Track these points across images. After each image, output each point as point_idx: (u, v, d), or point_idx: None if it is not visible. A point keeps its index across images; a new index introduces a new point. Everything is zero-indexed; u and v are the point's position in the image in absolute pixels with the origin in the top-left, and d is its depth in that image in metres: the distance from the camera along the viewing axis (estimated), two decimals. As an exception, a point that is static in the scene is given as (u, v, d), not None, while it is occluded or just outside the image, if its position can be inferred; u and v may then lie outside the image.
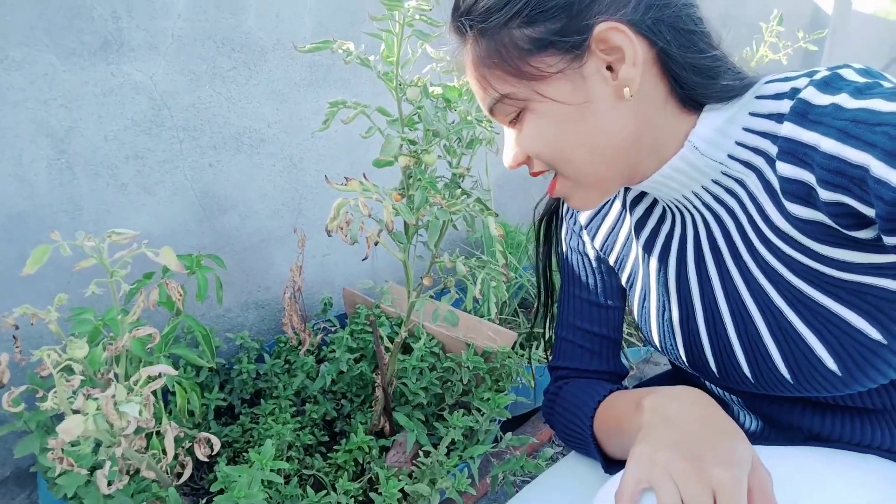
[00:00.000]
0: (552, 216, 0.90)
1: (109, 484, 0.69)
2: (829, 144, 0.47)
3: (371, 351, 1.37)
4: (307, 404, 1.28)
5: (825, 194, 0.48)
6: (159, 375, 0.72)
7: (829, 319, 0.56)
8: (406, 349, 1.38)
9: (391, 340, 1.30)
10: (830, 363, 0.57)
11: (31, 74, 1.06)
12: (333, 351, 1.32)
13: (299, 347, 1.33)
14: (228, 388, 1.33)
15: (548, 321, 0.97)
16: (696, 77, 0.58)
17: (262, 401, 1.29)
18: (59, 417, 0.87)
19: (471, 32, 0.60)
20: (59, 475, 0.86)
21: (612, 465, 0.74)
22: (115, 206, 1.20)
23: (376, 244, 0.94)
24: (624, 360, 0.90)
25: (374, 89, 1.59)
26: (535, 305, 0.99)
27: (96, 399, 0.65)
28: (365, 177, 0.92)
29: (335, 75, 1.51)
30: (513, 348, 1.34)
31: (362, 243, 0.88)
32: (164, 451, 0.80)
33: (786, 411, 0.70)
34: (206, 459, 0.75)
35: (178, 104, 1.25)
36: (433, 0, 0.92)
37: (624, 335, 1.72)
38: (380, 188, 0.92)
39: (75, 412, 0.66)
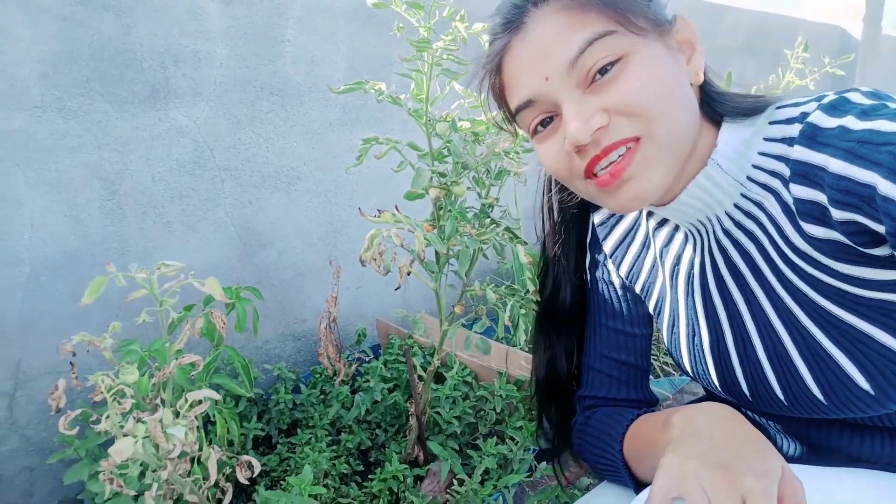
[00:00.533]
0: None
1: (159, 501, 0.72)
2: (837, 165, 0.49)
3: (404, 381, 1.39)
4: (342, 434, 1.30)
5: (837, 213, 0.50)
6: (202, 401, 0.75)
7: (856, 338, 0.56)
8: (439, 378, 1.39)
9: (424, 370, 1.32)
10: (862, 382, 0.57)
11: (86, 122, 1.14)
12: (368, 381, 1.34)
13: (334, 378, 1.36)
14: (266, 419, 1.35)
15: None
16: (716, 88, 0.63)
17: (298, 430, 1.31)
18: (106, 446, 0.91)
19: None
20: (107, 500, 0.90)
21: (644, 489, 0.74)
22: (161, 243, 1.27)
23: (409, 274, 0.97)
24: (661, 390, 0.90)
25: (405, 127, 1.65)
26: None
27: (145, 422, 0.69)
28: (397, 208, 0.96)
29: (367, 115, 1.57)
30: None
31: (395, 273, 0.91)
32: (204, 479, 0.83)
33: (824, 434, 0.69)
34: (246, 483, 0.77)
35: (219, 145, 1.32)
36: (460, 41, 0.97)
37: (661, 363, 1.71)
38: (411, 220, 0.96)
39: (125, 436, 0.70)
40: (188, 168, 1.28)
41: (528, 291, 1.02)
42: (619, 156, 0.59)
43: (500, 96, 0.66)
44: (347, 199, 1.58)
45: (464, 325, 1.16)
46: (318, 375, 1.43)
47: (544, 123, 0.62)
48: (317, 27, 1.43)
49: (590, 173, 0.60)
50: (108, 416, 0.68)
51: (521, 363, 1.45)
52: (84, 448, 1.01)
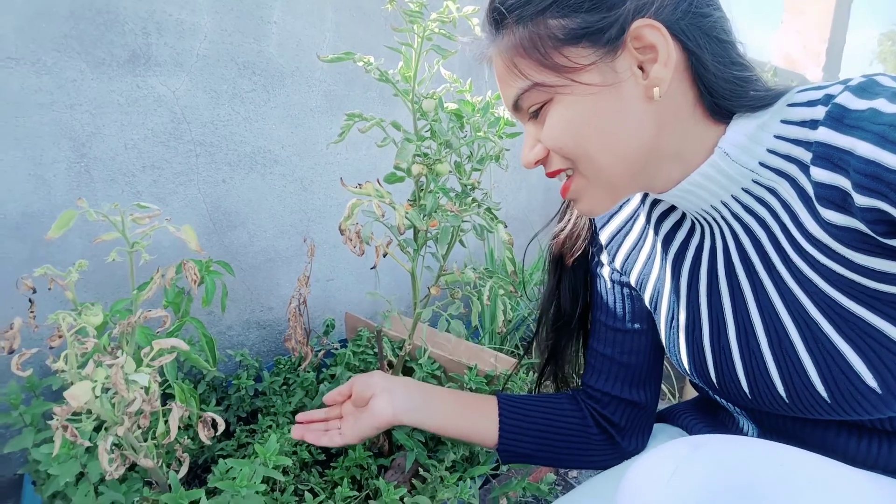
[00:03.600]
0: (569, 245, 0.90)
1: (110, 462, 0.68)
2: (865, 149, 0.46)
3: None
4: (305, 422, 1.25)
5: (861, 199, 0.47)
6: (168, 352, 0.72)
7: (866, 332, 0.54)
8: (407, 372, 1.36)
9: (394, 356, 1.29)
10: (870, 379, 0.55)
11: (60, 79, 1.10)
12: (334, 373, 1.30)
13: (299, 366, 1.32)
14: (225, 405, 1.30)
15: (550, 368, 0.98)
16: (726, 85, 0.59)
17: (258, 418, 1.26)
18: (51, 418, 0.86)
19: (509, 19, 0.61)
20: (54, 462, 0.84)
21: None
22: (129, 213, 1.22)
23: (385, 255, 0.96)
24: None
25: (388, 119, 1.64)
26: (534, 336, 1.00)
27: (108, 366, 0.65)
28: (379, 182, 0.95)
29: (349, 105, 1.57)
30: (515, 373, 1.33)
31: (366, 263, 0.88)
32: (162, 435, 0.78)
33: (819, 434, 0.67)
34: (208, 442, 0.73)
35: (197, 119, 1.29)
36: (451, 21, 0.98)
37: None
38: (392, 196, 0.95)
39: (83, 379, 0.65)
40: (163, 139, 1.25)
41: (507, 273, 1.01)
42: (567, 175, 0.67)
43: None
44: (323, 189, 1.56)
45: (436, 311, 1.14)
46: (281, 365, 1.39)
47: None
48: (305, 11, 1.43)
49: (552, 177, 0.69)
50: (65, 356, 0.64)
51: (490, 361, 1.43)
52: (30, 413, 0.95)
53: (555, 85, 0.60)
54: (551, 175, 0.69)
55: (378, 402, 0.88)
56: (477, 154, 1.08)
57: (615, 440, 0.86)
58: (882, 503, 0.52)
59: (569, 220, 0.88)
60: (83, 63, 1.12)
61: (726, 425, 0.82)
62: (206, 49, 1.28)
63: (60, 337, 0.66)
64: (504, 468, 1.16)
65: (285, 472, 1.10)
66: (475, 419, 0.88)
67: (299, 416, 0.99)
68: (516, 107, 0.66)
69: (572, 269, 0.88)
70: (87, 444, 0.65)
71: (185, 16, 1.23)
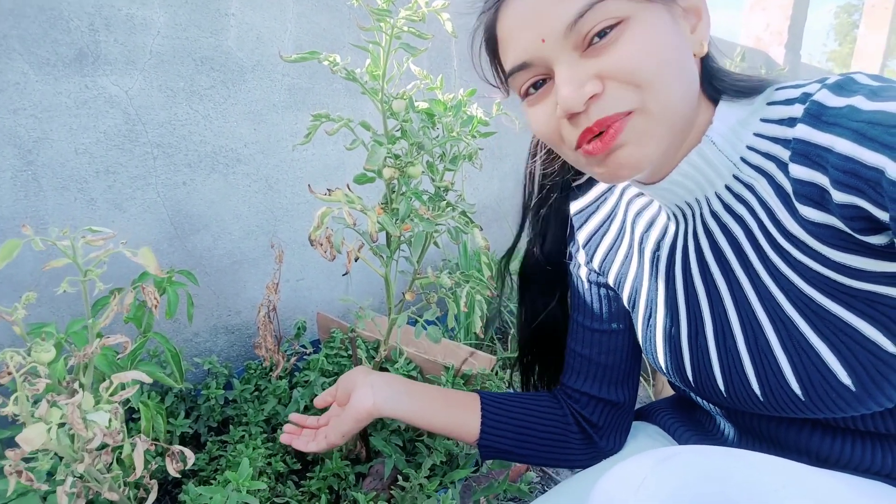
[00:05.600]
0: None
1: (70, 500, 0.64)
2: (844, 146, 0.46)
3: (346, 376, 1.33)
4: (278, 431, 1.22)
5: (839, 196, 0.47)
6: (130, 384, 0.68)
7: (841, 330, 0.54)
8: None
9: (370, 361, 1.26)
10: (844, 377, 0.55)
11: (1, 83, 1.03)
12: (307, 377, 1.27)
13: (271, 372, 1.28)
14: (195, 416, 1.26)
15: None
16: (715, 65, 0.61)
17: (230, 428, 1.23)
18: (7, 444, 0.81)
19: None
20: (10, 500, 0.80)
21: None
22: (82, 222, 1.16)
23: (357, 260, 0.92)
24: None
25: (354, 114, 1.60)
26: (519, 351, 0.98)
27: (61, 406, 0.61)
28: (349, 188, 0.91)
29: (314, 99, 1.51)
30: (492, 371, 1.32)
31: (338, 264, 0.85)
32: (126, 475, 0.75)
33: (793, 434, 0.67)
34: (177, 475, 0.70)
35: (153, 120, 1.22)
36: (420, 17, 0.93)
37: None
38: (363, 200, 0.91)
39: (37, 421, 0.61)
40: (117, 142, 1.18)
41: (483, 277, 0.99)
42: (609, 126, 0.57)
43: (494, 53, 0.63)
44: (289, 187, 1.51)
45: (411, 317, 1.11)
46: (252, 371, 1.35)
47: (536, 86, 0.59)
48: (264, 2, 1.36)
49: (581, 144, 0.57)
50: (15, 398, 0.59)
51: (469, 359, 1.42)
52: (-16, 444, 0.89)
53: (631, 8, 0.53)
54: (599, 126, 0.56)
55: (358, 393, 0.86)
56: (449, 154, 1.05)
57: (593, 439, 0.85)
58: None
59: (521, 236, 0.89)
60: (26, 64, 1.05)
61: (703, 424, 0.83)
62: (159, 45, 1.21)
63: (9, 374, 0.61)
64: (484, 470, 1.15)
65: (260, 486, 1.07)
66: (456, 412, 0.87)
67: (292, 417, 0.96)
68: (574, 28, 0.53)
69: (547, 274, 0.87)
70: (45, 487, 0.61)
71: (135, 10, 1.16)
